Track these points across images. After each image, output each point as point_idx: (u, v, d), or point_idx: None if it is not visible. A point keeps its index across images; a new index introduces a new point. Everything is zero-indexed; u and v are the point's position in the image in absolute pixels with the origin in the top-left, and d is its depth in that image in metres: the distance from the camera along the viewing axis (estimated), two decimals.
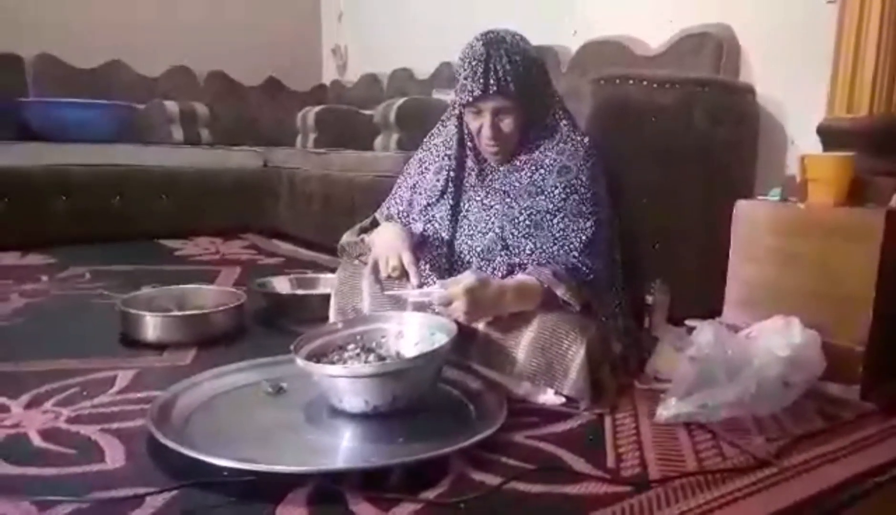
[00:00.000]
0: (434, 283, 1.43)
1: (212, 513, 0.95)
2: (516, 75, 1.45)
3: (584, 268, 1.44)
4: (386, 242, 1.47)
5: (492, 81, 1.44)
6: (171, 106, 3.86)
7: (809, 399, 1.42)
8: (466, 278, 1.34)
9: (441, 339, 1.33)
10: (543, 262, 1.46)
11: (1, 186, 3.08)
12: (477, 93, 1.46)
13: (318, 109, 3.67)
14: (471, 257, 1.54)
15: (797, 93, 2.10)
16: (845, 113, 1.69)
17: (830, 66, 1.78)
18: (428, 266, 1.57)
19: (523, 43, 1.51)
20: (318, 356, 1.33)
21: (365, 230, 1.67)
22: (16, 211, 3.10)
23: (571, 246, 1.46)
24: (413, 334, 1.42)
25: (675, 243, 1.86)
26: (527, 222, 1.51)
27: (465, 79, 1.47)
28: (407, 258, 1.41)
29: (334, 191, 3.12)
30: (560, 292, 1.39)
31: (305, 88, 4.68)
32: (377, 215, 1.72)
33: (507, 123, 1.49)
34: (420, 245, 1.56)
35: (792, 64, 2.13)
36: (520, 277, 1.43)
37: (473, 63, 1.46)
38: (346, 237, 1.70)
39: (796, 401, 1.39)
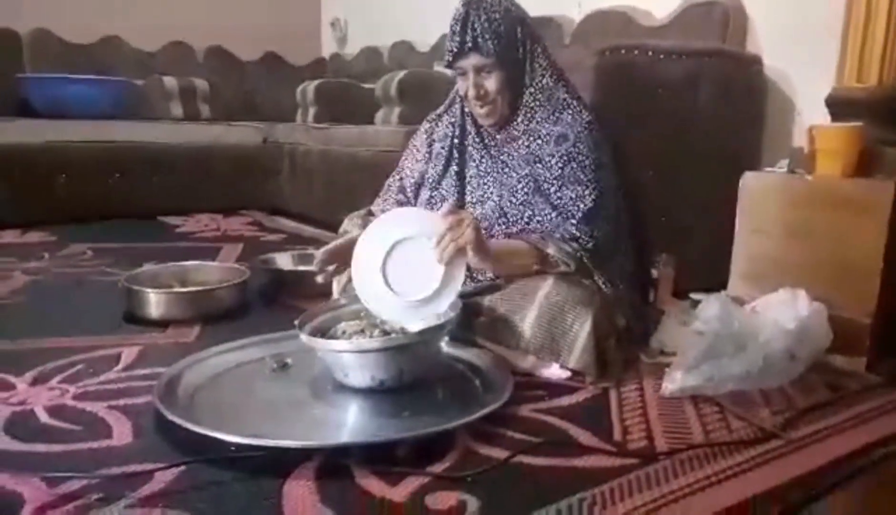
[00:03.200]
0: None
1: (221, 488, 0.95)
2: (495, 33, 1.46)
3: (584, 236, 1.43)
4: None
5: (468, 39, 1.46)
6: (170, 82, 3.83)
7: (816, 372, 1.42)
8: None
9: (446, 314, 1.32)
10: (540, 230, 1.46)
11: (0, 164, 3.06)
12: (455, 51, 1.48)
13: (317, 82, 3.62)
14: None
15: (805, 63, 2.07)
16: (855, 83, 1.67)
17: (839, 35, 1.75)
18: None
19: (507, 3, 1.51)
20: (322, 332, 1.33)
21: (363, 218, 1.67)
22: (15, 188, 3.08)
23: (570, 214, 1.45)
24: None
25: (681, 215, 1.85)
26: (525, 191, 1.51)
27: (448, 40, 1.50)
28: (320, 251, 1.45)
29: (335, 166, 3.10)
30: (551, 250, 1.40)
31: (305, 61, 4.63)
32: (380, 199, 1.71)
33: (490, 83, 1.50)
34: None
35: (800, 34, 2.09)
36: (510, 239, 1.46)
37: (453, 23, 1.49)
38: (346, 225, 1.69)
39: (803, 374, 1.39)
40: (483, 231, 1.50)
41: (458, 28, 1.47)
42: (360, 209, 1.75)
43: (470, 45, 1.46)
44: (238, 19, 4.40)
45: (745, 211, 1.71)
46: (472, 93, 1.50)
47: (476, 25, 1.45)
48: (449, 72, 1.61)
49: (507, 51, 1.48)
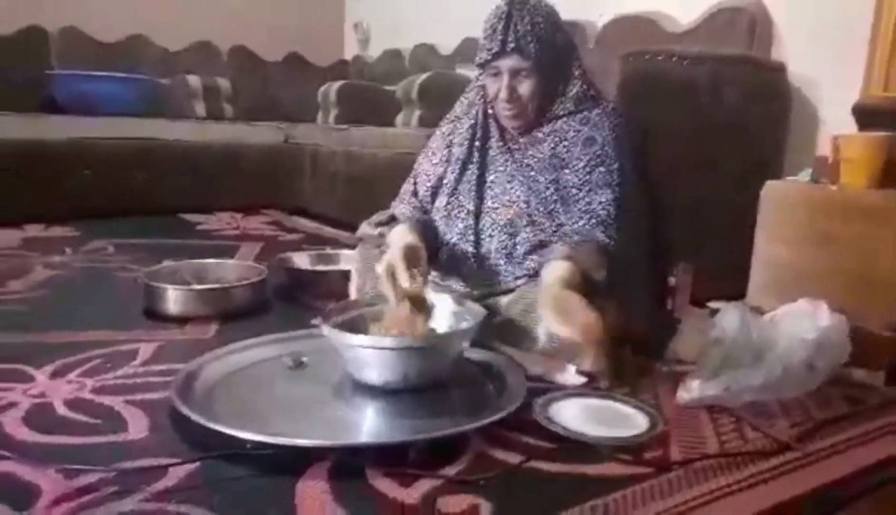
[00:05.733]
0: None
1: (235, 485, 0.95)
2: (537, 37, 1.43)
3: (610, 241, 1.42)
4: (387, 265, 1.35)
5: (510, 39, 1.43)
6: (194, 81, 3.87)
7: (834, 384, 1.39)
8: (584, 320, 1.24)
9: (467, 319, 1.32)
10: (569, 237, 1.43)
11: (25, 159, 3.11)
12: (495, 50, 1.44)
13: (339, 84, 3.65)
14: (494, 230, 1.53)
15: (831, 71, 2.05)
16: (882, 92, 1.65)
17: (866, 44, 1.73)
18: (455, 239, 1.55)
19: (548, 8, 1.49)
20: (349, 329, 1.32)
21: (382, 224, 1.62)
22: (40, 183, 3.13)
23: (598, 219, 1.43)
24: (438, 313, 1.41)
25: (702, 223, 1.83)
26: (553, 197, 1.48)
27: (485, 38, 1.46)
28: (399, 263, 1.32)
29: (356, 168, 3.12)
30: (599, 276, 1.36)
31: (327, 63, 4.66)
32: (397, 202, 1.67)
33: (524, 87, 1.47)
34: (433, 238, 1.55)
35: (826, 42, 2.07)
36: (564, 267, 1.34)
37: (494, 21, 1.45)
38: (364, 229, 1.66)
39: (821, 386, 1.37)
40: (509, 236, 1.50)
41: (500, 27, 1.43)
42: (379, 211, 1.73)
43: (512, 45, 1.43)
44: (262, 20, 4.45)
45: (766, 220, 1.69)
46: (503, 95, 1.47)
47: (519, 27, 1.42)
48: (475, 70, 1.57)
49: (545, 56, 1.45)
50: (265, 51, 4.45)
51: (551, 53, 1.47)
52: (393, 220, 1.60)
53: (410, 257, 1.34)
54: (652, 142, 1.70)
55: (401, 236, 1.40)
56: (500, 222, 1.52)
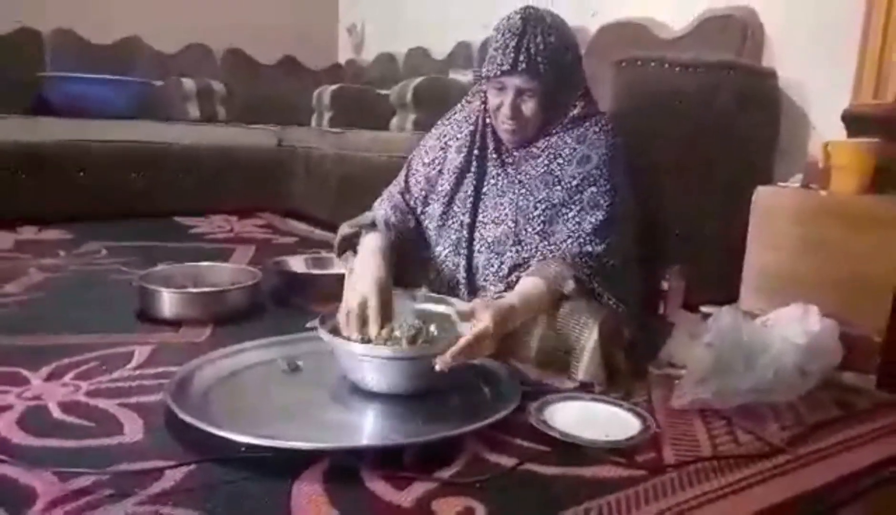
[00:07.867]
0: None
1: (230, 488, 0.95)
2: (548, 58, 1.40)
3: (597, 263, 1.42)
4: (358, 290, 1.32)
5: (522, 58, 1.39)
6: (188, 83, 3.86)
7: (825, 388, 1.40)
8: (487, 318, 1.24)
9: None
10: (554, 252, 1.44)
11: (19, 161, 3.09)
12: (505, 67, 1.41)
13: (333, 87, 3.65)
14: (482, 246, 1.53)
15: (821, 78, 2.07)
16: (871, 99, 1.67)
17: (856, 50, 1.75)
18: (447, 251, 1.55)
19: (563, 26, 1.46)
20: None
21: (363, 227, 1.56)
22: (33, 186, 3.11)
23: (584, 233, 1.43)
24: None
25: (694, 228, 1.85)
26: (541, 218, 1.47)
27: (495, 51, 1.42)
28: (372, 303, 1.29)
29: (350, 171, 3.12)
30: (567, 289, 1.37)
31: (321, 66, 4.66)
32: (380, 201, 1.64)
33: (528, 106, 1.45)
34: (411, 245, 1.54)
35: (817, 49, 2.09)
36: (526, 284, 1.37)
37: (507, 35, 1.41)
38: (345, 229, 1.60)
39: (812, 390, 1.38)
40: (496, 255, 1.50)
41: (512, 43, 1.40)
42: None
43: (523, 65, 1.39)
44: (256, 22, 4.44)
45: (757, 225, 1.70)
46: (506, 111, 1.45)
47: (531, 46, 1.39)
48: (468, 75, 1.58)
49: (553, 79, 1.43)
50: (259, 53, 4.45)
51: (558, 75, 1.44)
52: (372, 225, 1.54)
53: (384, 308, 1.30)
54: (644, 148, 1.71)
55: (371, 268, 1.36)
56: (487, 240, 1.52)
